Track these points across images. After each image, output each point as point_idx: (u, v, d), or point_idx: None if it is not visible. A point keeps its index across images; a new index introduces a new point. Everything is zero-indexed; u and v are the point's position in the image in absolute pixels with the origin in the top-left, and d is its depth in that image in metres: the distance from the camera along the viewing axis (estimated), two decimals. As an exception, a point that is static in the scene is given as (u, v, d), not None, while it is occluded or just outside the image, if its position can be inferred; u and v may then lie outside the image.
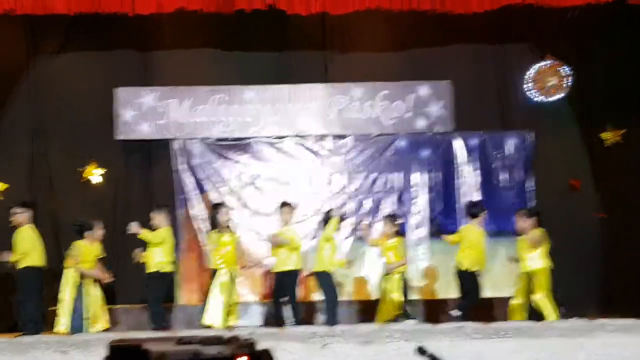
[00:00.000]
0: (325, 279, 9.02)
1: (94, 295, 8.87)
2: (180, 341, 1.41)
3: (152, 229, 9.04)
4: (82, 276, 8.81)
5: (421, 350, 3.74)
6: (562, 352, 6.29)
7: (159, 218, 9.08)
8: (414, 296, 10.48)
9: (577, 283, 10.63)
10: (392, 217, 9.54)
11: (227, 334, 1.59)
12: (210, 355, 1.38)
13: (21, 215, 8.93)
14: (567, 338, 6.43)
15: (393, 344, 6.59)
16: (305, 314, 9.54)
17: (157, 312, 8.89)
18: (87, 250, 8.87)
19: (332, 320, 8.73)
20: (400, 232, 9.47)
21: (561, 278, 10.57)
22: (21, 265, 8.80)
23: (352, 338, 6.72)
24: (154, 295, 8.93)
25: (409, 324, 8.46)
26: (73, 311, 8.70)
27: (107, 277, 8.98)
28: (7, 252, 8.87)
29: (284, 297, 9.10)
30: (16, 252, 8.78)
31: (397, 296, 9.01)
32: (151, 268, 8.92)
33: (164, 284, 9.06)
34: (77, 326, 8.60)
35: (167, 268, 8.97)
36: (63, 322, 8.67)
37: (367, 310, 9.69)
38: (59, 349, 6.42)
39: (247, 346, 1.38)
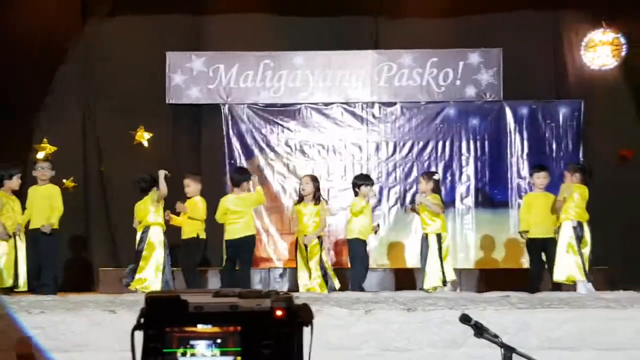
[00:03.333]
0: (355, 247, 8.91)
1: None
2: (218, 294, 1.43)
3: (186, 196, 9.02)
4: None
5: (465, 319, 3.71)
6: (609, 324, 6.23)
7: (194, 186, 9.02)
8: (460, 265, 10.48)
9: (626, 256, 10.48)
10: (429, 174, 9.14)
11: (265, 289, 1.61)
12: (248, 308, 1.40)
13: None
14: (615, 310, 6.36)
15: (437, 312, 6.59)
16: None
17: (192, 277, 8.93)
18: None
19: (357, 289, 8.61)
20: (437, 190, 8.92)
21: (612, 250, 10.44)
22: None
23: (396, 305, 6.74)
24: (189, 261, 8.97)
25: (445, 290, 8.40)
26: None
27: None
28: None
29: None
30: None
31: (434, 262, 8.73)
32: (187, 234, 8.91)
33: (199, 250, 9.06)
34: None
35: (203, 234, 8.95)
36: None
37: (404, 278, 9.67)
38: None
39: (286, 300, 1.39)
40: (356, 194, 8.95)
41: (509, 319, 6.44)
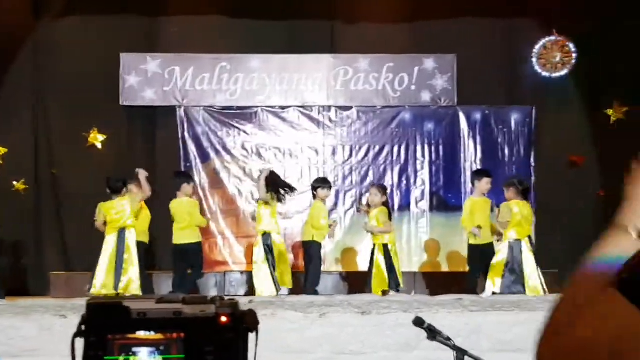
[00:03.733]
0: (311, 249, 8.98)
1: None
2: (161, 300, 1.42)
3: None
4: None
5: (419, 322, 3.74)
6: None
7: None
8: (414, 269, 10.57)
9: (573, 260, 10.64)
10: (383, 188, 9.34)
11: (211, 295, 1.61)
12: (192, 315, 1.39)
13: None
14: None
15: (391, 315, 6.65)
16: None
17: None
18: None
19: (311, 291, 8.67)
20: (386, 203, 9.19)
21: (560, 254, 10.62)
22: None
23: (350, 308, 6.77)
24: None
25: (399, 295, 8.48)
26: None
27: None
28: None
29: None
30: None
31: (385, 267, 8.90)
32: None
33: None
34: None
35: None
36: None
37: (358, 282, 9.71)
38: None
39: (231, 306, 1.39)
40: (314, 197, 9.02)
41: (462, 321, 6.52)
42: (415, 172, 10.93)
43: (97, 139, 10.87)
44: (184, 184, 8.99)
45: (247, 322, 1.39)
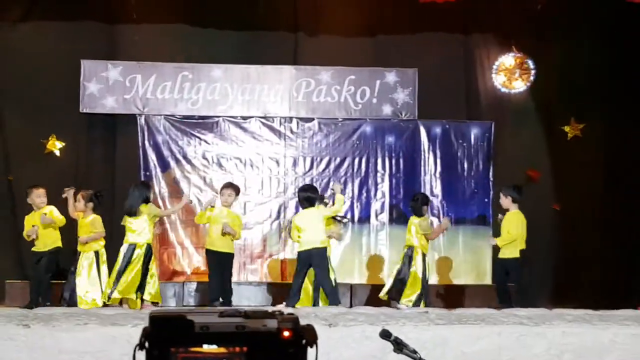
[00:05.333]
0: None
1: None
2: (223, 314, 1.42)
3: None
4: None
5: (385, 334, 3.76)
6: (523, 340, 6.44)
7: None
8: (373, 280, 10.63)
9: (530, 273, 10.85)
10: (341, 220, 9.50)
11: (270, 308, 1.61)
12: (255, 329, 1.40)
13: None
14: (528, 326, 6.58)
15: (357, 327, 6.67)
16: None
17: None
18: None
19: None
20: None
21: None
22: None
23: (317, 320, 6.78)
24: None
25: (365, 307, 8.52)
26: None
27: None
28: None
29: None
30: None
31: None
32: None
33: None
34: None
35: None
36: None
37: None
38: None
39: (292, 321, 1.40)
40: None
41: (428, 334, 6.57)
42: (376, 184, 11.01)
43: (56, 145, 10.71)
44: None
45: (307, 336, 1.40)
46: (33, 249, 8.77)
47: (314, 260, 8.52)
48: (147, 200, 8.54)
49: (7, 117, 10.73)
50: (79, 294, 8.38)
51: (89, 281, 8.45)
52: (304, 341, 1.42)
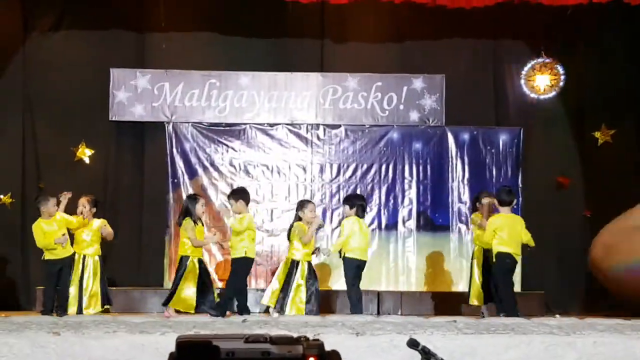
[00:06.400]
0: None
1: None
2: (249, 339, 1.42)
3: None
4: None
5: (413, 343, 3.73)
6: (553, 350, 6.38)
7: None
8: (401, 287, 10.60)
9: (561, 281, 10.75)
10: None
11: (295, 334, 1.61)
12: (280, 355, 1.39)
13: None
14: (558, 336, 6.52)
15: (385, 336, 6.66)
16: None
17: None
18: None
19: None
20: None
21: (547, 275, 10.71)
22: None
23: (344, 329, 6.77)
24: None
25: (392, 316, 8.47)
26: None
27: None
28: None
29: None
30: None
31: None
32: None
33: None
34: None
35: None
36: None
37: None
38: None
39: (317, 347, 1.40)
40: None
41: (456, 344, 6.55)
42: (403, 191, 10.97)
43: (85, 153, 10.82)
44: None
45: (332, 362, 1.40)
46: (51, 257, 8.58)
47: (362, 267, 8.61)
48: (188, 214, 8.37)
49: (38, 125, 10.86)
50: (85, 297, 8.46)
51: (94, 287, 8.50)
52: (329, 367, 1.41)
